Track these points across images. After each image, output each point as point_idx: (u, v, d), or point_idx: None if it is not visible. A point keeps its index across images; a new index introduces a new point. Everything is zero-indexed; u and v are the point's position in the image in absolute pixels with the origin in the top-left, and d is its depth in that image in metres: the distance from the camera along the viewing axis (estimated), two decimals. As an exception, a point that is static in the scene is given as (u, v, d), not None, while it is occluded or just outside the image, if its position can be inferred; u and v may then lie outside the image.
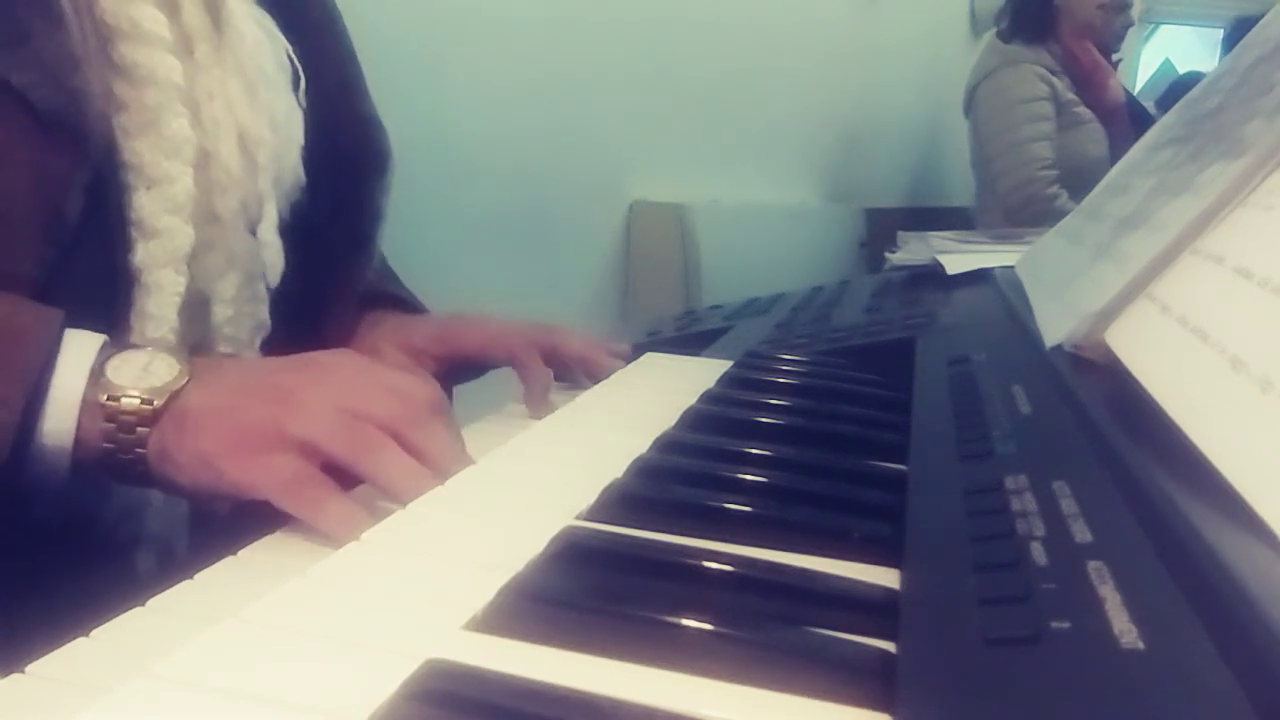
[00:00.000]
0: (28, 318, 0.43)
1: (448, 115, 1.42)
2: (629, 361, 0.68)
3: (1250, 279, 0.34)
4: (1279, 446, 0.27)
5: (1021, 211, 2.04)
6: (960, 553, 0.31)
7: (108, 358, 0.44)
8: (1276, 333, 0.30)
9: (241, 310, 0.57)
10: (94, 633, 0.31)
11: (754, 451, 0.45)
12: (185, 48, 0.53)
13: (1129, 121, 2.18)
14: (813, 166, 2.35)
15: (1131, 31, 2.46)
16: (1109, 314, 0.44)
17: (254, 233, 0.57)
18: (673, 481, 0.43)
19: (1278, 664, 0.20)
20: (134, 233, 0.51)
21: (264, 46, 0.57)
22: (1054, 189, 2.05)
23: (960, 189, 2.47)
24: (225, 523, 0.46)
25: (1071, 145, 2.11)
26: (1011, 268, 0.79)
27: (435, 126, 1.38)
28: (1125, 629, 0.24)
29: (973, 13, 2.89)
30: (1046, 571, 0.28)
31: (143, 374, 0.43)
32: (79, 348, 0.43)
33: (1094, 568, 0.27)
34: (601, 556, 0.35)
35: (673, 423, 0.51)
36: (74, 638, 0.30)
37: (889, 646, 0.28)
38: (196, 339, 0.55)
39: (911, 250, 1.03)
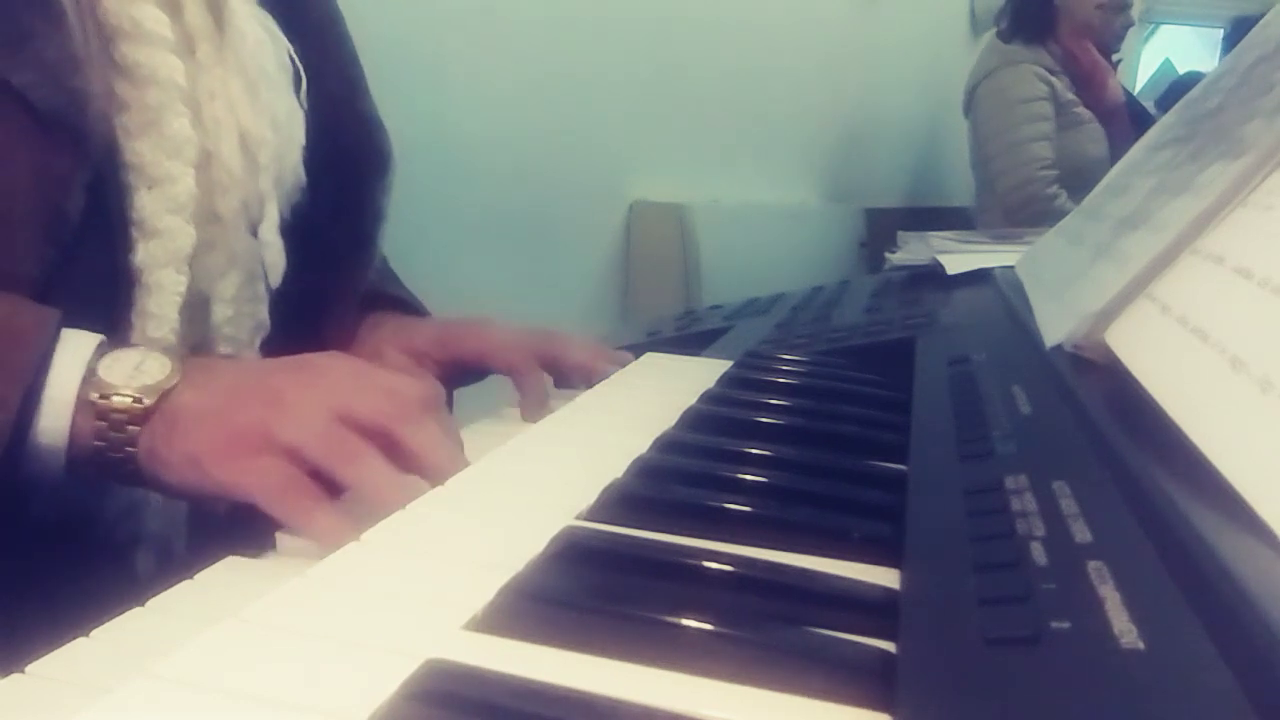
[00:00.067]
0: (25, 318, 0.43)
1: (448, 115, 1.42)
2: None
3: (1250, 279, 0.34)
4: (1279, 446, 0.27)
5: (1021, 211, 2.04)
6: (960, 553, 0.31)
7: (101, 357, 0.44)
8: (1276, 333, 0.30)
9: (242, 310, 0.57)
10: (94, 633, 0.31)
11: (754, 451, 0.45)
12: (187, 48, 0.53)
13: (1128, 121, 2.18)
14: (813, 166, 2.35)
15: (1131, 31, 2.46)
16: (1109, 314, 0.44)
17: (255, 233, 0.57)
18: (673, 481, 0.43)
19: (1278, 664, 0.20)
20: (135, 232, 0.51)
21: (265, 46, 0.57)
22: (1053, 189, 2.05)
23: (960, 189, 2.47)
24: (225, 523, 0.46)
25: (1071, 145, 2.11)
26: (1011, 268, 0.79)
27: (435, 126, 1.38)
28: (1125, 629, 0.24)
29: (973, 13, 2.89)
30: (1046, 571, 0.28)
31: (135, 373, 0.43)
32: (75, 348, 0.43)
33: (1094, 568, 0.27)
34: (601, 556, 0.35)
35: (673, 423, 0.51)
36: (74, 638, 0.30)
37: (889, 646, 0.28)
38: (197, 339, 0.55)
39: (911, 250, 1.03)
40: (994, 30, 2.27)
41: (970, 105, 2.24)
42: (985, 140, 2.17)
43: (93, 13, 0.49)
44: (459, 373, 0.65)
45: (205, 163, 0.53)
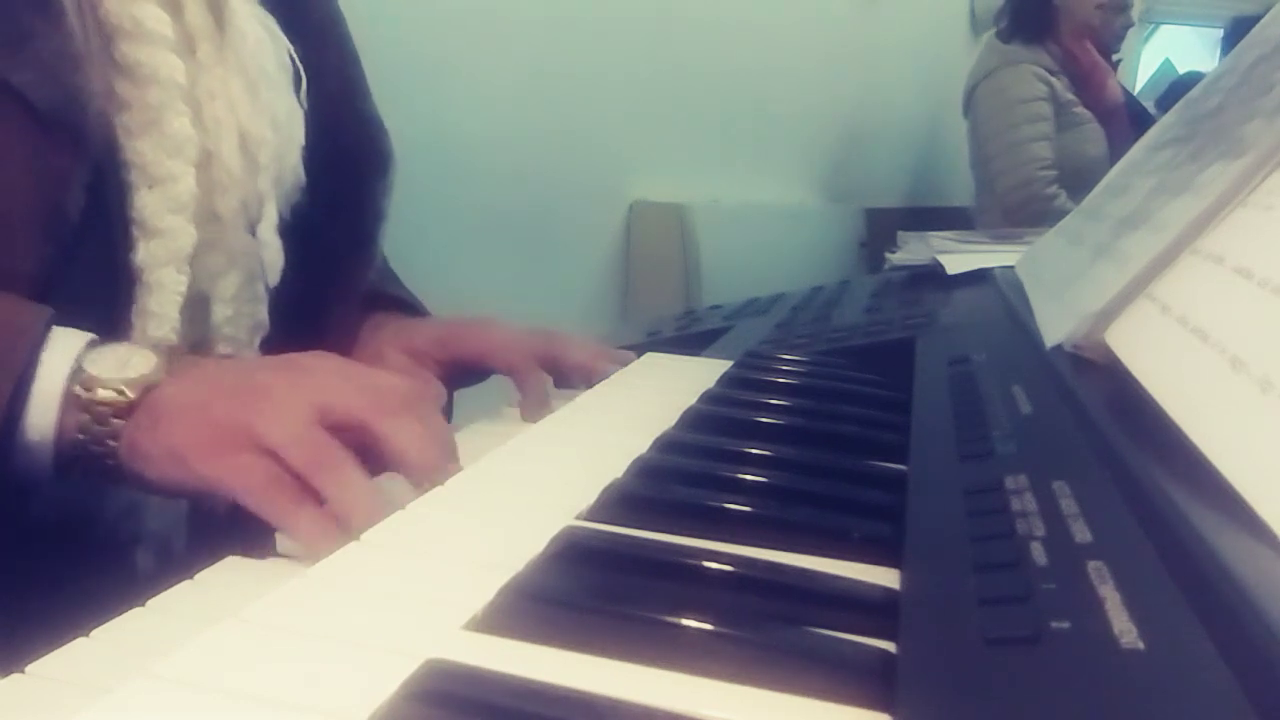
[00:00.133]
0: (15, 314, 0.43)
1: (448, 115, 1.42)
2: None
3: (1250, 279, 0.34)
4: (1279, 446, 0.27)
5: (1020, 211, 2.04)
6: (960, 553, 0.31)
7: (89, 352, 0.43)
8: (1276, 333, 0.30)
9: (241, 310, 0.57)
10: (94, 633, 0.31)
11: (754, 451, 0.45)
12: (187, 47, 0.53)
13: (1128, 121, 2.18)
14: (813, 166, 2.35)
15: (1131, 31, 2.46)
16: (1109, 314, 0.44)
17: (254, 232, 0.57)
18: (673, 481, 0.43)
19: (1278, 664, 0.20)
20: (135, 232, 0.51)
21: (266, 46, 0.57)
22: (1053, 189, 2.06)
23: (960, 189, 2.47)
24: (225, 522, 0.46)
25: (1070, 145, 2.11)
26: (1011, 268, 0.79)
27: (435, 126, 1.38)
28: (1125, 629, 0.24)
29: (973, 13, 2.89)
30: (1046, 571, 0.28)
31: (120, 367, 0.43)
32: (64, 345, 0.43)
33: (1094, 568, 0.27)
34: (601, 556, 0.35)
35: (673, 423, 0.51)
36: (74, 638, 0.30)
37: (889, 646, 0.28)
38: (196, 338, 0.55)
39: (911, 250, 1.03)
40: (993, 30, 2.27)
41: (969, 105, 2.24)
42: (985, 140, 2.18)
43: (93, 12, 0.49)
44: (460, 373, 0.65)
45: (205, 162, 0.53)
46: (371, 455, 0.43)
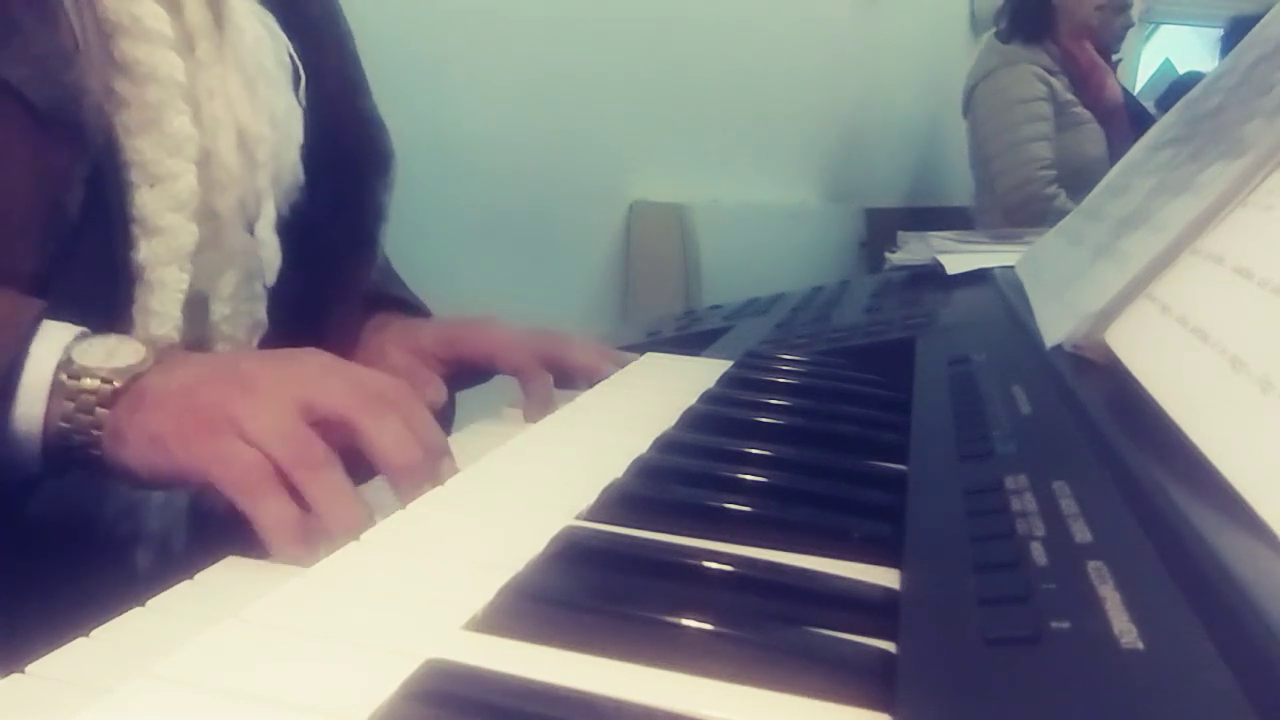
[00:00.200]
0: (5, 307, 0.43)
1: (448, 115, 1.42)
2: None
3: (1250, 279, 0.34)
4: (1279, 446, 0.27)
5: (1020, 211, 2.04)
6: (960, 553, 0.31)
7: (78, 343, 0.43)
8: (1276, 333, 0.30)
9: (239, 309, 0.57)
10: (94, 633, 0.30)
11: (754, 451, 0.45)
12: (186, 45, 0.53)
13: (1127, 121, 2.18)
14: (813, 166, 2.35)
15: (1131, 31, 2.46)
16: (1109, 314, 0.44)
17: (252, 231, 0.57)
18: (673, 481, 0.43)
19: (1278, 664, 0.20)
20: (136, 230, 0.51)
21: (265, 43, 0.57)
22: (1052, 189, 2.06)
23: (960, 189, 2.47)
24: (224, 520, 0.46)
25: (1070, 145, 2.11)
26: (1011, 268, 0.79)
27: (435, 126, 1.38)
28: (1125, 629, 0.24)
29: (973, 13, 2.89)
30: (1046, 571, 0.28)
31: (108, 356, 0.43)
32: (54, 337, 0.43)
33: (1094, 568, 0.27)
34: (601, 556, 0.35)
35: (673, 423, 0.51)
36: (74, 638, 0.30)
37: (889, 646, 0.28)
38: (194, 337, 0.55)
39: (911, 250, 1.03)
40: (993, 30, 2.27)
41: (969, 105, 2.24)
42: (984, 140, 2.18)
43: (92, 9, 0.49)
44: (465, 373, 0.65)
45: (204, 160, 0.53)
46: (357, 458, 0.42)
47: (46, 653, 0.29)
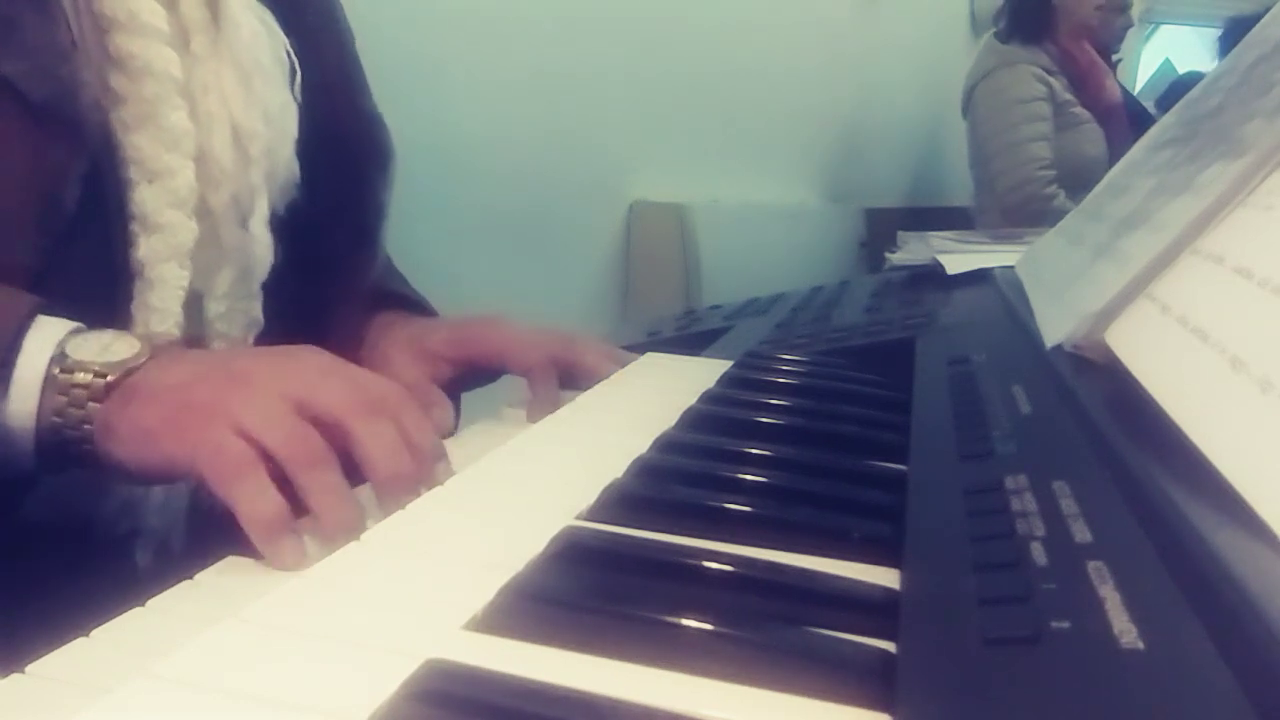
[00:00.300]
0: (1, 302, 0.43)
1: (448, 115, 1.42)
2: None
3: (1250, 279, 0.34)
4: (1279, 446, 0.27)
5: (1019, 211, 2.04)
6: (960, 553, 0.31)
7: (73, 338, 0.43)
8: (1276, 333, 0.30)
9: (235, 306, 0.57)
10: (94, 633, 0.30)
11: (754, 451, 0.45)
12: (182, 39, 0.53)
13: (1126, 121, 2.18)
14: (813, 166, 2.35)
15: (1131, 31, 2.46)
16: (1109, 314, 0.44)
17: (246, 227, 0.56)
18: (673, 481, 0.43)
19: (1278, 664, 0.20)
20: (135, 227, 0.51)
21: (261, 38, 0.57)
22: (1052, 189, 2.06)
23: (960, 189, 2.47)
24: (223, 519, 0.46)
25: (1069, 145, 2.11)
26: (1011, 268, 0.79)
27: (435, 126, 1.38)
28: (1125, 629, 0.24)
29: (973, 13, 2.89)
30: (1046, 571, 0.28)
31: (102, 351, 0.43)
32: (48, 332, 0.43)
33: (1094, 568, 0.27)
34: (601, 556, 0.35)
35: (673, 423, 0.51)
36: (74, 638, 0.30)
37: (889, 646, 0.28)
38: (191, 334, 0.55)
39: (911, 250, 1.03)
40: (993, 31, 2.27)
41: (968, 106, 2.24)
42: (983, 140, 2.18)
43: (88, 4, 0.49)
44: (473, 373, 0.64)
45: (200, 157, 0.53)
46: (347, 461, 0.41)
47: (46, 653, 0.29)
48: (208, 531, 0.47)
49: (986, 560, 0.30)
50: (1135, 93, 3.03)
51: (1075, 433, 0.39)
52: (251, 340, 0.58)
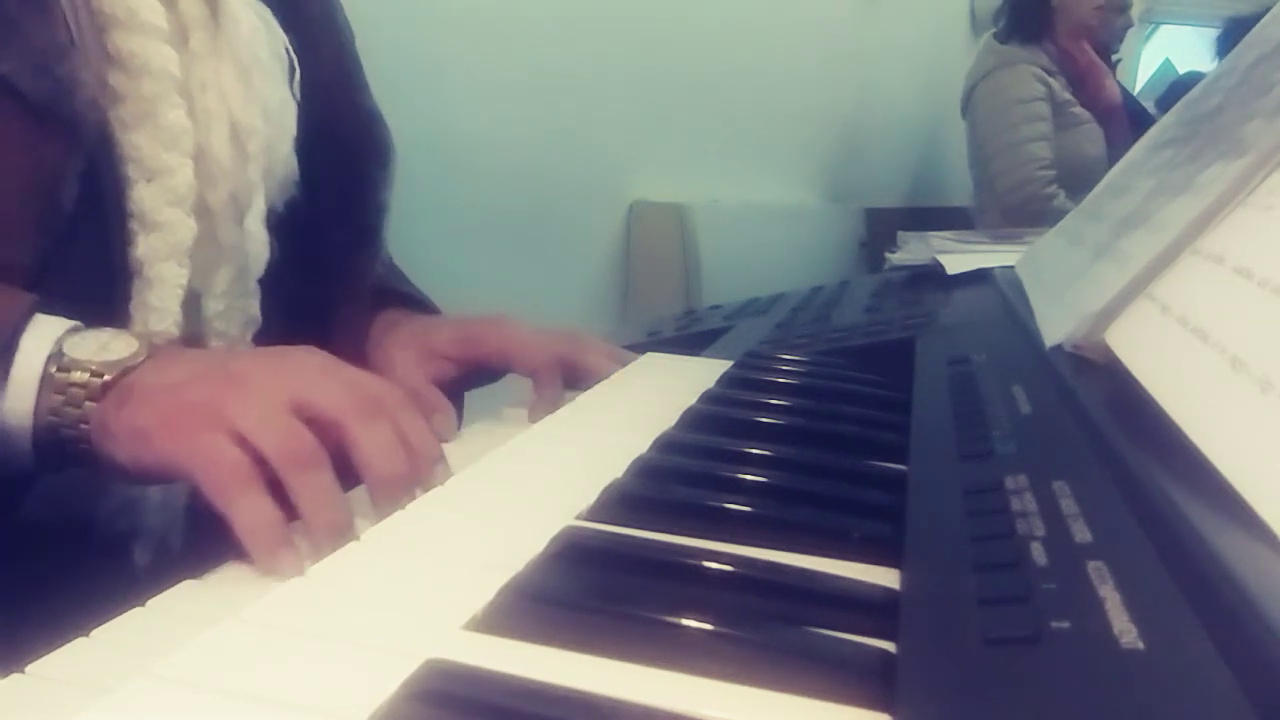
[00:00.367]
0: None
1: (448, 115, 1.42)
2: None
3: (1250, 279, 0.34)
4: (1279, 446, 0.27)
5: (1019, 211, 2.04)
6: (960, 553, 0.31)
7: (70, 336, 0.43)
8: (1276, 333, 0.30)
9: (233, 305, 0.57)
10: (94, 633, 0.30)
11: (754, 451, 0.45)
12: (181, 37, 0.53)
13: (1126, 121, 2.18)
14: (813, 166, 2.35)
15: (1131, 31, 2.46)
16: (1109, 314, 0.44)
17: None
18: (673, 481, 0.43)
19: (1278, 664, 0.20)
20: (134, 226, 0.51)
21: (260, 35, 0.57)
22: (1051, 189, 2.06)
23: (960, 189, 2.47)
24: (220, 521, 0.46)
25: (1069, 145, 2.11)
26: (1011, 268, 0.79)
27: (435, 126, 1.38)
28: (1125, 629, 0.24)
29: (973, 13, 2.89)
30: (1046, 571, 0.28)
31: (99, 350, 0.43)
32: (45, 331, 0.43)
33: (1094, 568, 0.27)
34: (601, 556, 0.35)
35: (673, 423, 0.51)
36: (74, 638, 0.30)
37: (889, 646, 0.28)
38: (189, 333, 0.55)
39: (911, 250, 1.03)
40: (992, 31, 2.27)
41: (968, 106, 2.24)
42: (983, 140, 2.18)
43: (87, 2, 0.49)
44: (477, 373, 0.64)
45: (199, 154, 0.53)
46: (343, 463, 0.41)
47: (46, 653, 0.29)
48: (207, 531, 0.47)
49: (986, 560, 0.30)
50: (1135, 93, 3.03)
51: (1075, 433, 0.39)
52: (250, 338, 0.58)
